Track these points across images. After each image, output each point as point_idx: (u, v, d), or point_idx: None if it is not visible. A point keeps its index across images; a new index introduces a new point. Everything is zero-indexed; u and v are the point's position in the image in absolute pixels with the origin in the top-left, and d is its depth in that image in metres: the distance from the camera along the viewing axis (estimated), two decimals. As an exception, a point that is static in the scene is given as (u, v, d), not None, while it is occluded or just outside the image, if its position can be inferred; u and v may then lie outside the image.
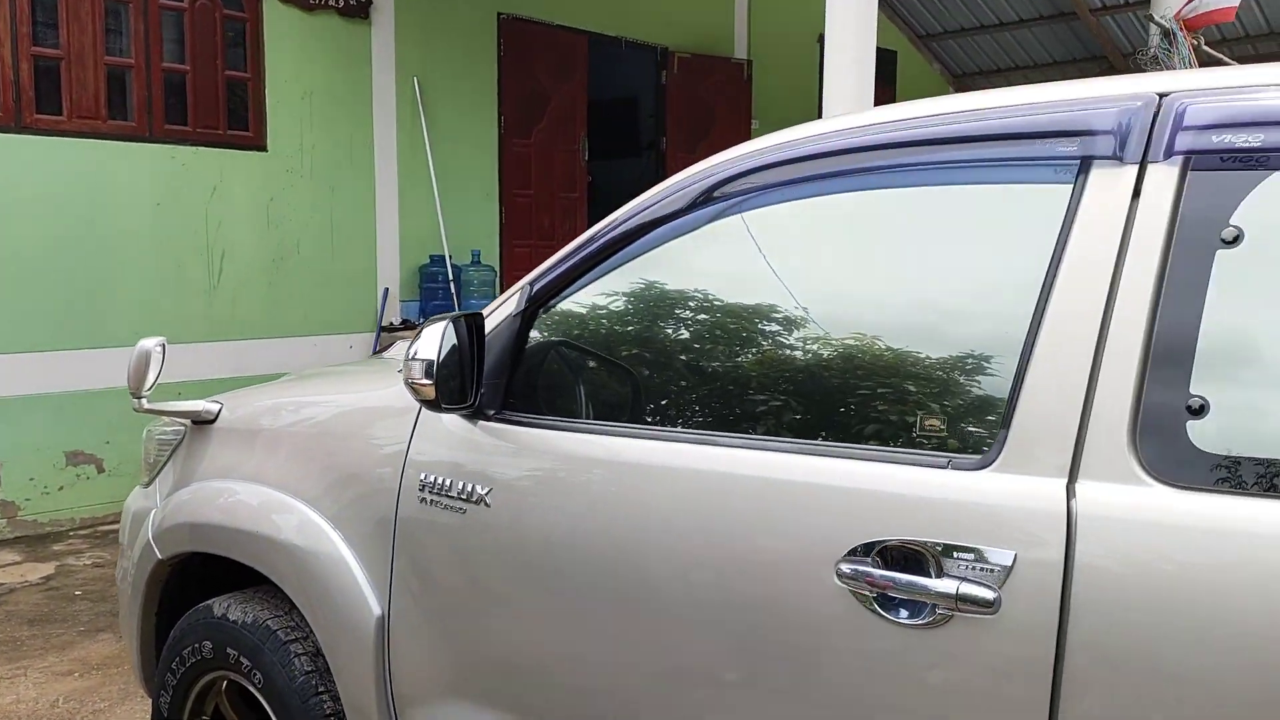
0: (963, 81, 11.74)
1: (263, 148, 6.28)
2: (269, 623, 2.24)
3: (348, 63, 6.66)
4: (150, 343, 2.44)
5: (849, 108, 4.29)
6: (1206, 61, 7.15)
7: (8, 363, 5.38)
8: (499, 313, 1.97)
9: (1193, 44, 6.82)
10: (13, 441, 5.46)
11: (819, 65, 9.97)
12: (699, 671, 1.61)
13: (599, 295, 1.89)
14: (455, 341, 1.82)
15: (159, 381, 2.46)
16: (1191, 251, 1.28)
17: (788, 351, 1.67)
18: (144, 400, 2.45)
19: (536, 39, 7.67)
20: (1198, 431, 1.24)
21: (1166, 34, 6.63)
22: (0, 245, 5.32)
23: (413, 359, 1.75)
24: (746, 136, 9.10)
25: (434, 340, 1.74)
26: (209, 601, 2.39)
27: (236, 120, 6.22)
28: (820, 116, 4.72)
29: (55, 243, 5.49)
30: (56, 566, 4.99)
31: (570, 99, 7.97)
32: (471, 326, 1.85)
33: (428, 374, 1.73)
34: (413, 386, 1.77)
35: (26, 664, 3.79)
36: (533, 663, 1.85)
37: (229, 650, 2.29)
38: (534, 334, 1.96)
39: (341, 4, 6.55)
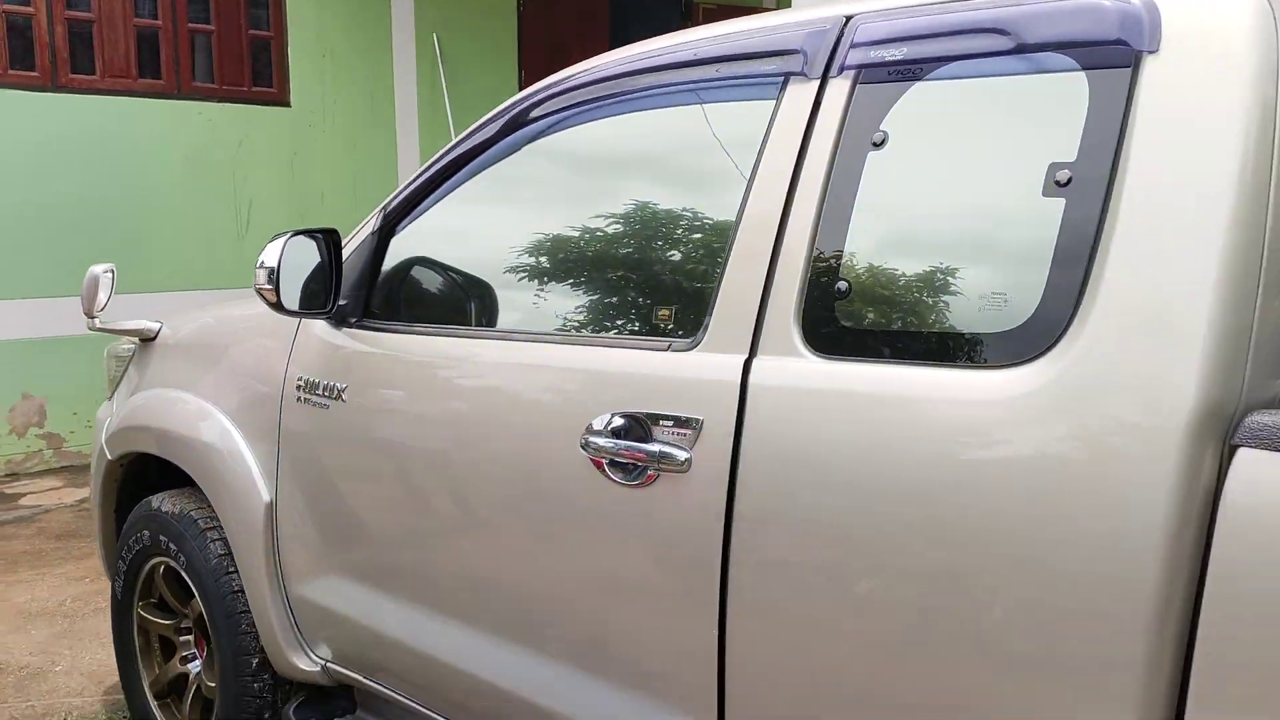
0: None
1: (286, 103, 6.62)
2: (192, 513, 2.55)
3: (368, 20, 6.94)
4: (99, 269, 2.75)
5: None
6: None
7: (51, 306, 5.83)
8: (361, 232, 2.22)
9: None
10: (59, 378, 5.93)
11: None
12: (494, 534, 1.85)
13: (440, 216, 2.12)
14: (320, 257, 2.08)
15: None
16: (850, 156, 1.46)
17: (560, 260, 1.88)
18: (96, 320, 2.77)
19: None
20: (842, 310, 1.43)
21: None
22: (41, 198, 5.75)
23: (259, 267, 2.01)
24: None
25: (275, 251, 2.00)
26: (149, 497, 2.71)
27: (260, 77, 6.56)
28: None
29: (91, 195, 5.91)
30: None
31: (592, 53, 8.11)
32: (329, 242, 2.10)
33: (269, 280, 1.99)
34: (259, 292, 2.03)
35: (46, 570, 4.22)
36: (383, 536, 2.11)
37: (161, 538, 2.61)
38: (398, 251, 2.20)
39: (360, -37, 6.82)
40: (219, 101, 6.34)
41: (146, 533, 2.66)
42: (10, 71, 5.68)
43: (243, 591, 2.42)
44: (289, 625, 2.33)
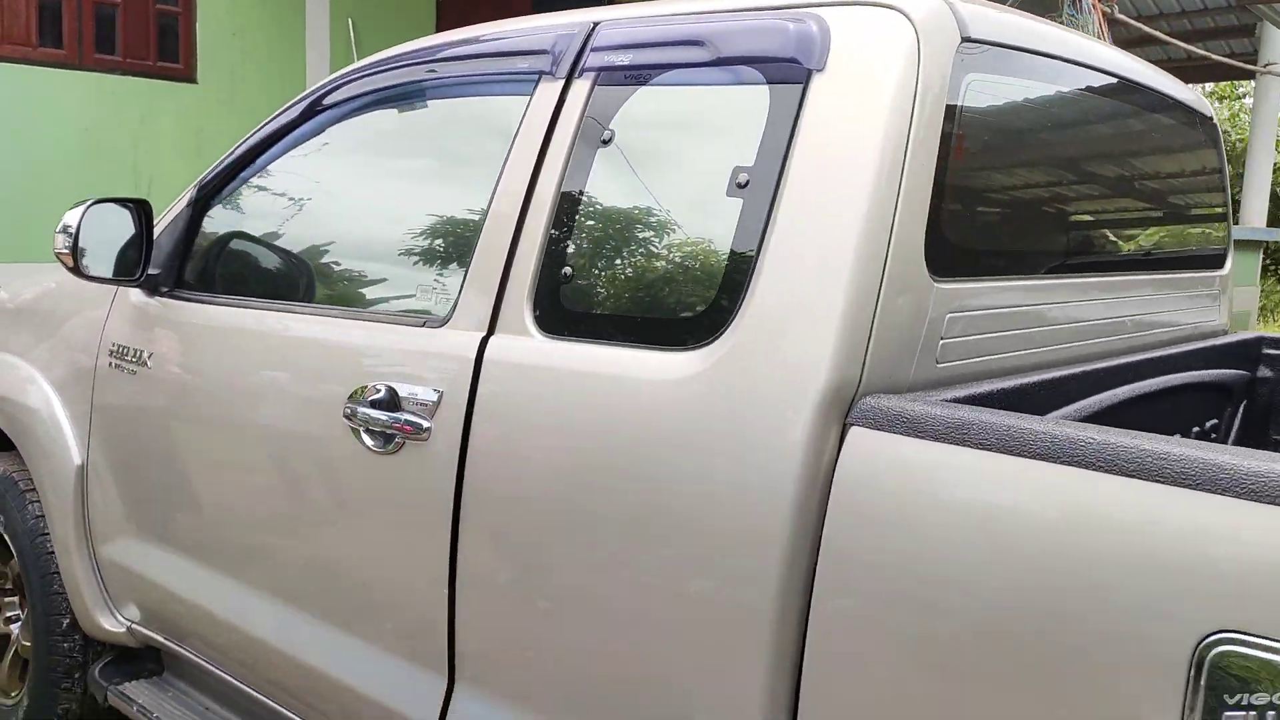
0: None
1: (193, 80, 6.60)
2: (13, 474, 2.59)
3: (281, 1, 6.94)
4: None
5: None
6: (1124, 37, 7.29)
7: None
8: (178, 205, 2.29)
9: (1104, 11, 6.96)
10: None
11: None
12: (269, 500, 1.93)
13: (250, 193, 2.20)
14: (133, 227, 2.15)
15: None
16: (584, 152, 1.57)
17: (342, 240, 1.98)
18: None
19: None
20: (565, 294, 1.54)
21: (1074, 1, 6.78)
22: (60, 183, 5.69)
23: (58, 231, 2.07)
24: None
25: (76, 216, 2.07)
26: (-22, 461, 2.74)
27: (167, 53, 6.53)
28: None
29: (-17, 162, 5.86)
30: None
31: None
32: (141, 212, 2.17)
33: (66, 245, 2.05)
34: (57, 255, 2.10)
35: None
36: (179, 500, 2.18)
37: (-15, 499, 2.65)
38: (212, 224, 2.27)
39: (275, -56, 6.82)
40: (122, 74, 6.31)
41: (-31, 494, 2.70)
42: (39, 48, 5.63)
43: (53, 553, 2.48)
44: (96, 586, 2.39)
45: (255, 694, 2.06)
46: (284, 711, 1.98)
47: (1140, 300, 1.87)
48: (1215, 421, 2.09)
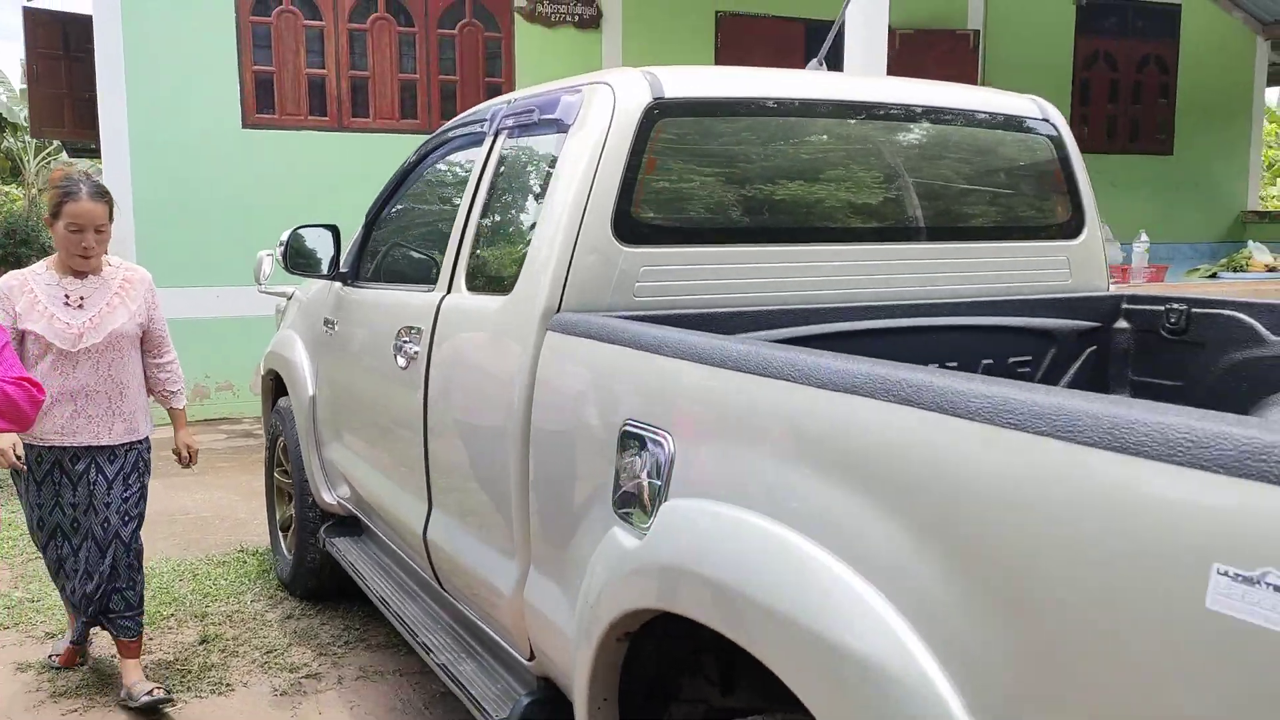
0: (1273, 29, 11.01)
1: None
2: (290, 408, 4.03)
3: (583, 67, 8.40)
4: (264, 254, 4.32)
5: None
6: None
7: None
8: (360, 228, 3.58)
9: None
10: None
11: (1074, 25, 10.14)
12: (374, 404, 3.13)
13: (389, 215, 3.43)
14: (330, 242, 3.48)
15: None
16: (494, 184, 2.58)
17: (412, 242, 3.13)
18: (262, 286, 4.35)
19: (752, 30, 8.93)
20: (475, 268, 2.55)
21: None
22: (324, 216, 7.74)
23: (277, 245, 3.42)
24: (973, 105, 9.61)
25: (285, 235, 3.40)
26: (280, 398, 4.24)
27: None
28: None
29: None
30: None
31: (789, 80, 9.12)
32: (333, 231, 3.47)
33: (281, 255, 3.40)
34: (275, 260, 3.44)
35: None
36: (347, 417, 3.45)
37: (277, 424, 4.12)
38: (377, 238, 3.54)
39: (576, 19, 8.34)
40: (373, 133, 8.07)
41: (276, 420, 4.19)
42: (309, 117, 7.73)
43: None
44: (321, 475, 3.73)
45: (391, 544, 3.25)
46: (404, 558, 3.14)
47: (876, 265, 2.49)
48: (1028, 358, 2.61)
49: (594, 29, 8.41)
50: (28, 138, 18.35)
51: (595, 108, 2.23)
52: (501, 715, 2.32)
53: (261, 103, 7.60)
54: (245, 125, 7.54)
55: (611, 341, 1.88)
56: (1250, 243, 7.21)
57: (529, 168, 2.48)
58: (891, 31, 9.48)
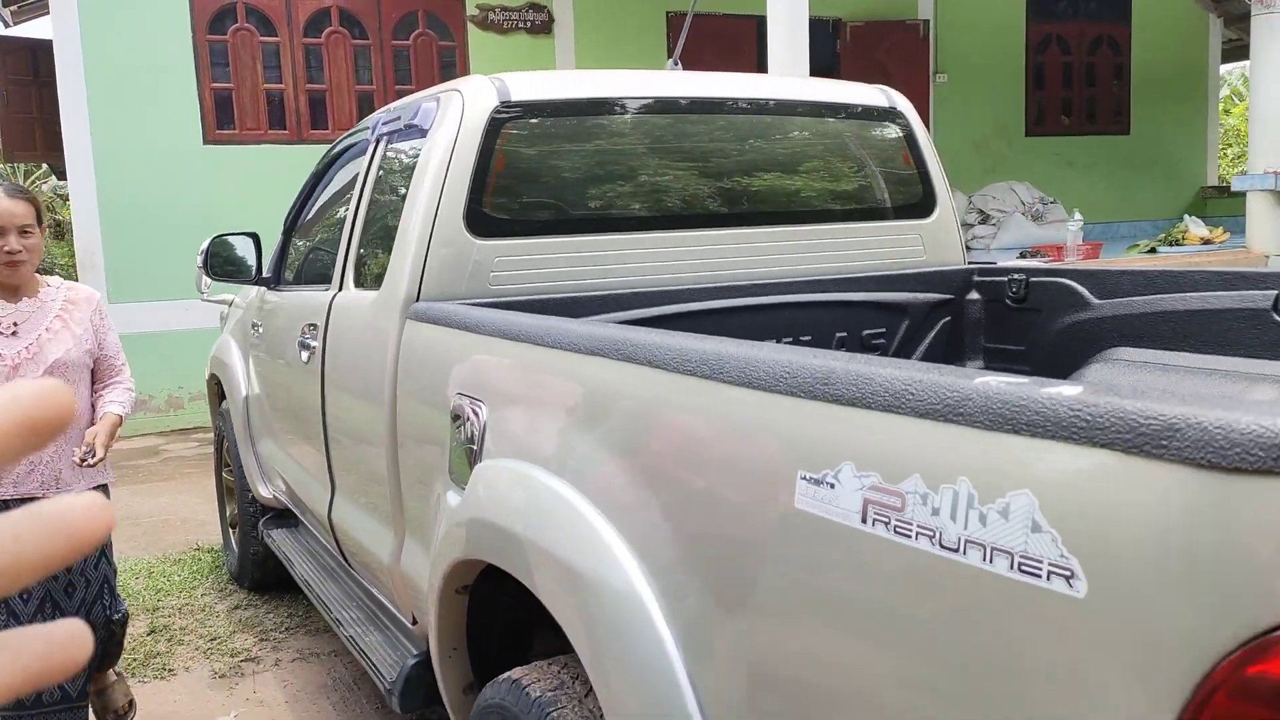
0: (1225, 6, 11.17)
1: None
2: (228, 409, 4.24)
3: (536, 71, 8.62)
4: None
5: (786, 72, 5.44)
6: None
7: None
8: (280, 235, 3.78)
9: None
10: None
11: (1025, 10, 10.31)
12: (286, 397, 3.33)
13: (302, 221, 3.64)
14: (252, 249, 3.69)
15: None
16: (375, 187, 2.77)
17: (318, 246, 3.33)
18: (204, 295, 4.56)
19: (704, 29, 9.10)
20: (356, 266, 2.75)
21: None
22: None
23: (199, 253, 3.62)
24: (926, 94, 9.80)
25: (204, 244, 3.60)
26: (222, 403, 4.45)
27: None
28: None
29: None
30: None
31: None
32: (254, 238, 3.67)
33: (202, 262, 3.60)
34: (198, 269, 3.65)
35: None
36: (271, 412, 3.65)
37: (219, 425, 4.32)
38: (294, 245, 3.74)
39: (529, 25, 8.53)
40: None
41: (219, 422, 4.40)
42: (269, 131, 7.93)
43: (246, 452, 4.07)
44: (256, 470, 3.93)
45: (316, 533, 3.44)
46: (323, 541, 3.34)
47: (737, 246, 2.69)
48: (882, 330, 2.80)
49: (546, 34, 8.60)
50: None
51: (448, 113, 2.42)
52: (392, 677, 2.51)
53: (221, 119, 7.81)
54: (206, 141, 7.75)
55: (447, 325, 2.09)
56: (1186, 217, 7.39)
57: (399, 171, 2.68)
58: (842, 24, 9.70)
